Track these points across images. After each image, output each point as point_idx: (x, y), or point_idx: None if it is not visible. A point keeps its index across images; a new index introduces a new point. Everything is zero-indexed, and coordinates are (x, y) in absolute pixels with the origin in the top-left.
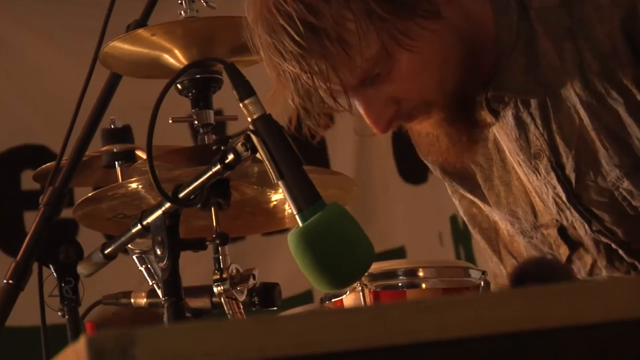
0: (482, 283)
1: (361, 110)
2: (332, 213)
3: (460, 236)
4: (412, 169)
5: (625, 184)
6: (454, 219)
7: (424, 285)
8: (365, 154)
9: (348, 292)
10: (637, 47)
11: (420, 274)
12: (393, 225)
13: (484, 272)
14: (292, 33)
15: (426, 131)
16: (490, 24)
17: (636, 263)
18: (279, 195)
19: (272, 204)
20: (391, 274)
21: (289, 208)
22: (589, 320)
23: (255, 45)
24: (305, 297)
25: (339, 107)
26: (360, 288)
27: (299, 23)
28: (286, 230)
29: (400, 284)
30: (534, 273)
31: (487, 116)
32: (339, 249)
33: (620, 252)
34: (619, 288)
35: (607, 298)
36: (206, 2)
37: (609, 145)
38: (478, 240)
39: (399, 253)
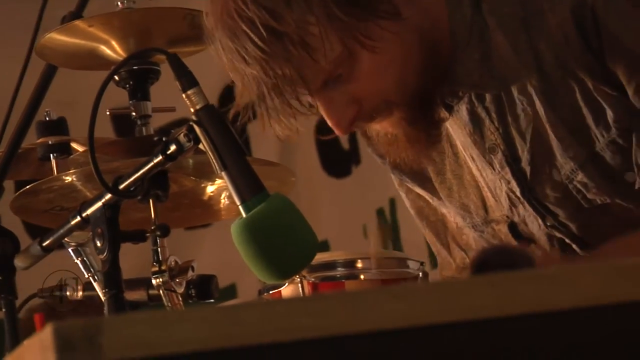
0: (420, 274)
1: (323, 112)
2: (276, 203)
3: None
4: (335, 162)
5: (580, 176)
6: (380, 212)
7: (362, 277)
8: (288, 148)
9: (287, 284)
10: (587, 35)
11: (359, 265)
12: (316, 219)
13: (422, 263)
14: (255, 38)
15: (385, 131)
16: (445, 21)
17: None
18: (214, 187)
19: (207, 196)
20: (330, 265)
21: (224, 199)
22: (555, 307)
23: (217, 49)
24: (229, 291)
25: (303, 109)
26: (299, 279)
27: (261, 28)
28: (209, 225)
29: (338, 275)
30: (496, 260)
31: (441, 112)
32: (283, 239)
33: (574, 246)
34: (585, 275)
35: (573, 285)
36: None
37: (563, 137)
38: (425, 234)
39: (322, 247)
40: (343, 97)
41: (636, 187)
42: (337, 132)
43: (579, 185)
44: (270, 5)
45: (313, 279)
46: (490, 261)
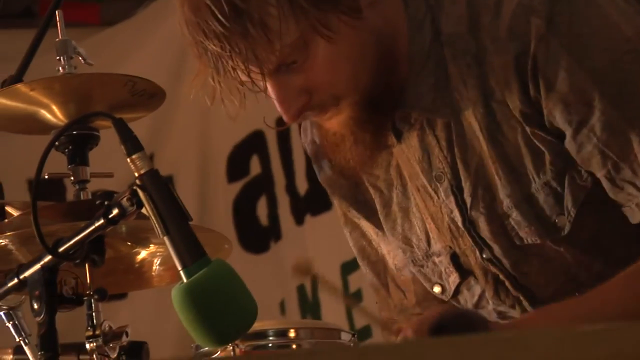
0: (352, 345)
1: (273, 96)
2: (217, 270)
3: (309, 307)
4: (253, 238)
5: (515, 214)
6: (301, 288)
7: (294, 346)
8: (205, 224)
9: (219, 352)
10: (526, 83)
11: (292, 334)
12: None
13: (354, 335)
14: (217, 12)
15: (334, 130)
16: (404, 40)
17: (521, 297)
18: (145, 252)
19: (137, 263)
20: (262, 335)
21: (156, 266)
22: None
23: (180, 24)
24: None
25: (256, 87)
26: (231, 347)
27: (224, 3)
28: (124, 295)
29: (270, 345)
30: (454, 323)
31: (389, 137)
32: (223, 305)
33: (507, 284)
34: (542, 338)
35: (532, 349)
36: (84, 59)
37: (502, 175)
38: (366, 273)
39: None
40: (295, 85)
41: (564, 232)
42: (285, 118)
43: (512, 223)
44: None
45: (245, 348)
46: (448, 323)
